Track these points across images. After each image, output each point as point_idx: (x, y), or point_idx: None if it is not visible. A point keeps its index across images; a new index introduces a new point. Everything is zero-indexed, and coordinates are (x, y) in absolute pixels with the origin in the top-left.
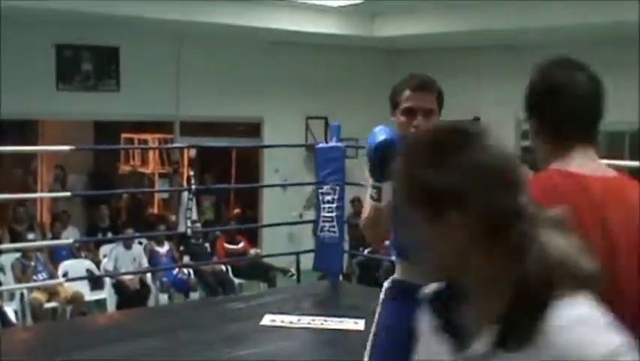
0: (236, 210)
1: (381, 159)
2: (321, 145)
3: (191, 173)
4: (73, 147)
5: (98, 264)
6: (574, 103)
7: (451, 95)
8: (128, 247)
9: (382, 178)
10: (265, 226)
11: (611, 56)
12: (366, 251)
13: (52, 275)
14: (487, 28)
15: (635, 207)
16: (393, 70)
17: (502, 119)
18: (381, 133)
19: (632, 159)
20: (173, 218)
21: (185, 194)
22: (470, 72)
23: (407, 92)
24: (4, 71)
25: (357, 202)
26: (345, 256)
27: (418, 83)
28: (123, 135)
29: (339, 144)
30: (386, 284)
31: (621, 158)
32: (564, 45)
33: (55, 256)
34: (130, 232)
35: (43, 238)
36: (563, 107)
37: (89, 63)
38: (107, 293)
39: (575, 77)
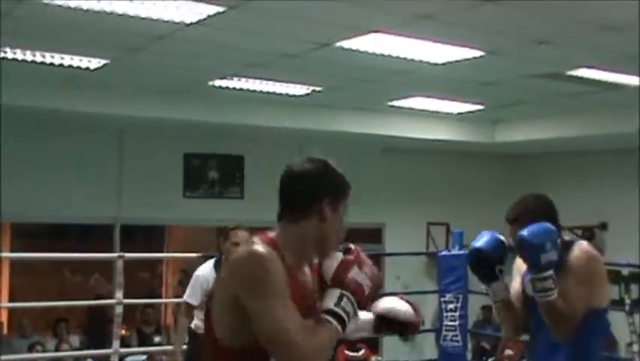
0: None
1: (476, 266)
2: (443, 253)
3: None
4: (199, 254)
5: None
6: None
7: (573, 200)
8: None
9: (485, 281)
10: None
11: None
12: None
13: None
14: (612, 132)
15: None
16: (513, 175)
17: (629, 223)
18: (477, 241)
19: None
20: None
21: None
22: (593, 176)
23: None
24: (130, 179)
25: (486, 309)
26: None
27: None
28: None
29: (462, 252)
30: None
31: None
32: None
33: None
34: None
35: (169, 340)
36: None
37: (215, 171)
38: None
39: None
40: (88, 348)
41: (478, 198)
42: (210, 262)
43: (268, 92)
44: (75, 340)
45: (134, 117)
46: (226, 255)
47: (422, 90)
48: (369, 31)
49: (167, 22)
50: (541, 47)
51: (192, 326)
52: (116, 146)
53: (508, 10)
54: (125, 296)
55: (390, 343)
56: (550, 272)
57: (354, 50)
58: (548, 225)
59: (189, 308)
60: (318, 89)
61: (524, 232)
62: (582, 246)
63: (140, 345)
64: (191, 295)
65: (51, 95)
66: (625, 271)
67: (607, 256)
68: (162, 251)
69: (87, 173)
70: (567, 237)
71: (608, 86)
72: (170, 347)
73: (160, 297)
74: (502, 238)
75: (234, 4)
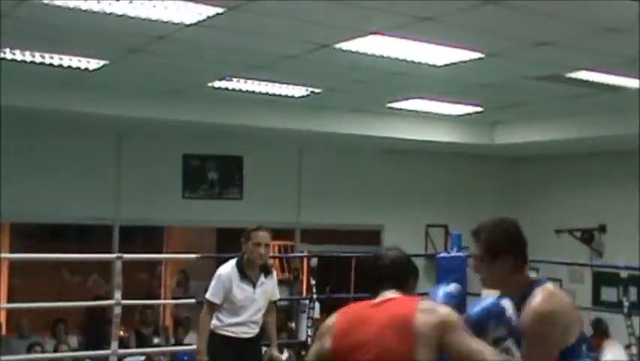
0: None
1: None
2: (442, 255)
3: (313, 282)
4: (199, 255)
5: None
6: None
7: (573, 202)
8: None
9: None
10: None
11: None
12: None
13: None
14: (611, 135)
15: None
16: (513, 177)
17: (628, 226)
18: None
19: None
20: (293, 325)
21: (307, 302)
22: (592, 178)
23: None
24: (129, 179)
25: None
26: None
27: None
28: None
29: (461, 254)
30: None
31: None
32: None
33: None
34: None
35: (167, 342)
36: None
37: (214, 172)
38: None
39: None
40: (86, 349)
41: (477, 200)
42: (232, 262)
43: (267, 94)
44: (74, 341)
45: (133, 118)
46: (248, 255)
47: (421, 92)
48: (369, 33)
49: (167, 22)
50: (541, 49)
51: (211, 326)
52: (115, 146)
53: (507, 11)
54: (124, 297)
55: None
56: (504, 345)
57: (353, 52)
58: (490, 302)
59: (212, 307)
60: (317, 90)
61: (470, 314)
62: (536, 301)
63: (138, 346)
64: (215, 295)
65: (50, 96)
66: (623, 274)
67: (606, 259)
68: (161, 252)
69: (86, 174)
70: (533, 275)
71: (608, 88)
72: (168, 348)
73: (159, 298)
74: (499, 305)
75: (233, 5)
